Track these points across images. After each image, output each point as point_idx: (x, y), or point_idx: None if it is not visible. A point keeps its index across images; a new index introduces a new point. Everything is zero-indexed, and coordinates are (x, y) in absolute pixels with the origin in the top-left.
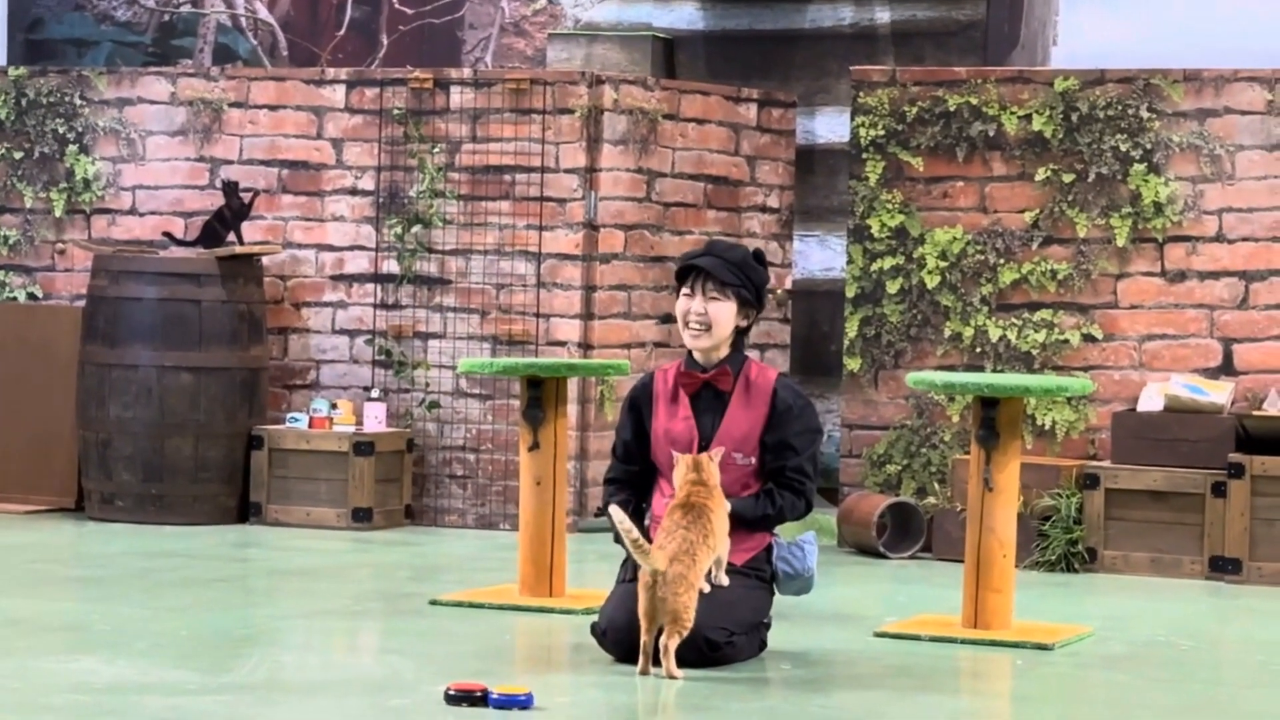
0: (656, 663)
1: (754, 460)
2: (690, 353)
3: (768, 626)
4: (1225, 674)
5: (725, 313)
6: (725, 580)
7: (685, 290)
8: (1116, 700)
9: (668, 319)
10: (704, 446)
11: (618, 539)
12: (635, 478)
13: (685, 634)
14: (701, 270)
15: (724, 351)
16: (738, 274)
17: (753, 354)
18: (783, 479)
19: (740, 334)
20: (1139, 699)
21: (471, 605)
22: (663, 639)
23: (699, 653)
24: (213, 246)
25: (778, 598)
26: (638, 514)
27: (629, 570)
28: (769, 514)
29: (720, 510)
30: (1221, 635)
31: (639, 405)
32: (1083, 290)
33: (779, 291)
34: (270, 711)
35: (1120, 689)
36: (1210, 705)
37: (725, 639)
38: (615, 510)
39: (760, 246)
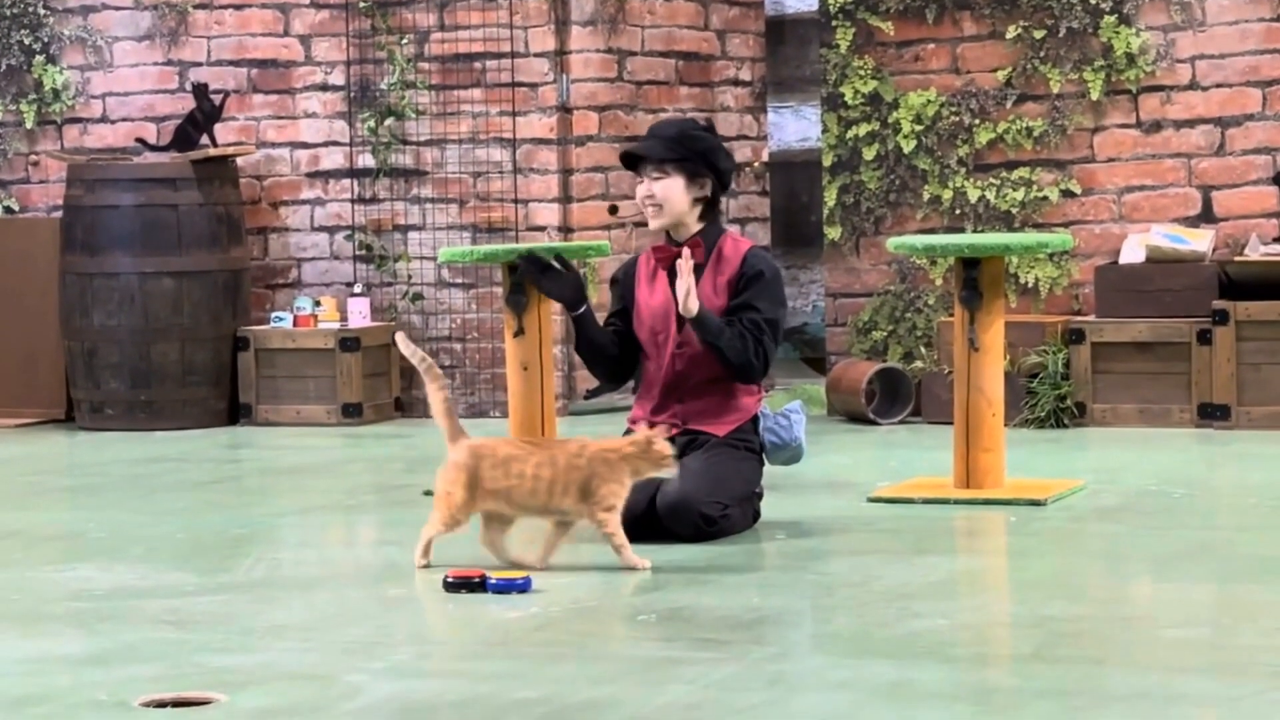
0: (650, 532)
1: None
2: (668, 231)
3: (760, 497)
4: (1219, 519)
5: (672, 188)
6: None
7: (636, 177)
8: (1112, 551)
9: None
10: (681, 321)
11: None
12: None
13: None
14: (639, 155)
15: (694, 225)
16: (675, 147)
17: (733, 228)
18: (740, 322)
19: (708, 205)
20: (1134, 548)
21: None
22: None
23: (694, 527)
24: (186, 150)
25: (768, 468)
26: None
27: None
28: (727, 336)
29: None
30: (1213, 481)
31: (620, 283)
32: (1059, 146)
33: (756, 165)
34: (269, 608)
35: (1115, 539)
36: (1205, 550)
37: (720, 512)
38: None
39: (709, 117)
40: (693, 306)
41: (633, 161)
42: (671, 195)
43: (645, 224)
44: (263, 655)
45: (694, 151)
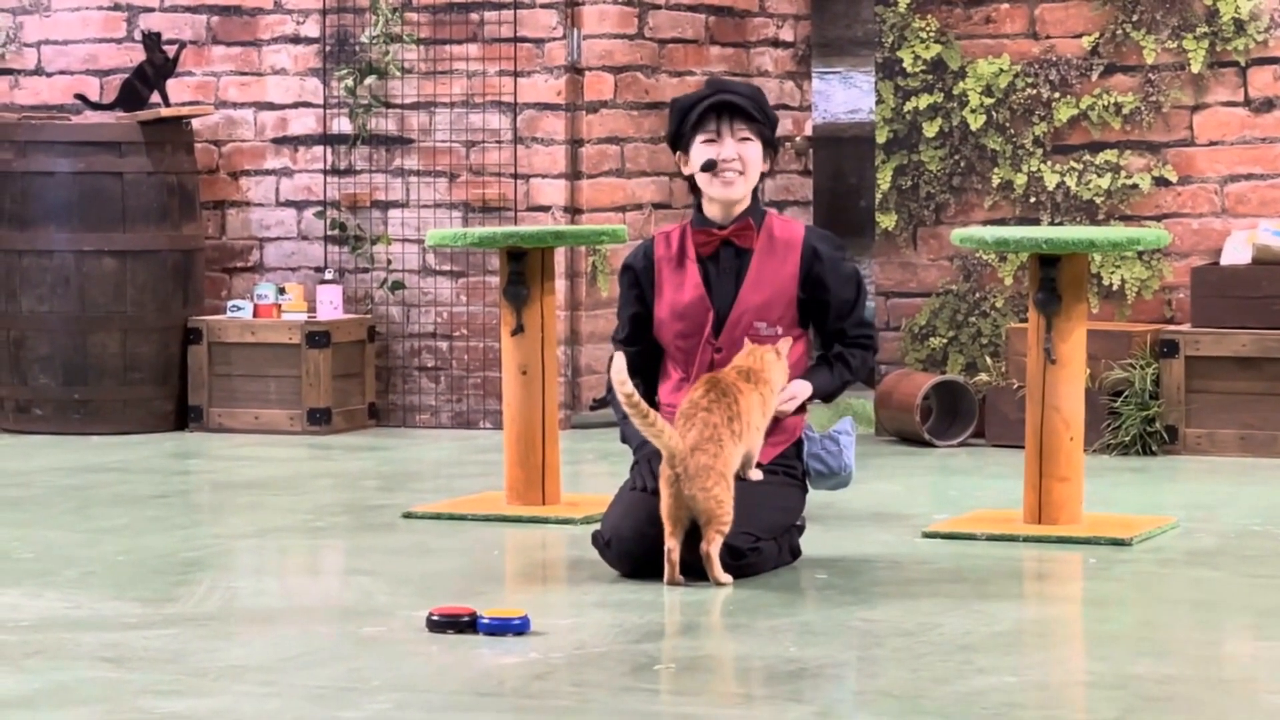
0: (687, 571)
1: (780, 330)
2: (697, 210)
3: (800, 530)
4: None
5: (755, 154)
6: (757, 475)
7: (706, 135)
8: (1207, 601)
9: (666, 175)
10: (721, 318)
11: (624, 436)
12: (643, 361)
13: (726, 532)
14: (726, 109)
15: (744, 204)
16: (759, 110)
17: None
18: (848, 340)
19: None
20: (1234, 599)
21: (451, 517)
22: (702, 545)
23: (721, 563)
24: (134, 109)
25: (811, 494)
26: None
27: (640, 478)
28: (848, 380)
29: (757, 401)
30: None
31: (638, 276)
32: (1153, 126)
33: (798, 139)
34: (224, 645)
35: (1211, 588)
36: None
37: (749, 545)
38: (618, 372)
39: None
40: (803, 394)
41: (697, 117)
42: (753, 162)
43: (666, 205)
44: (216, 700)
45: (770, 120)
